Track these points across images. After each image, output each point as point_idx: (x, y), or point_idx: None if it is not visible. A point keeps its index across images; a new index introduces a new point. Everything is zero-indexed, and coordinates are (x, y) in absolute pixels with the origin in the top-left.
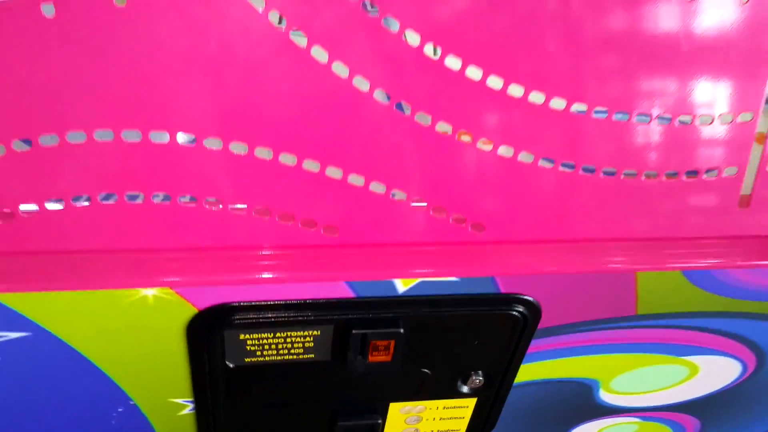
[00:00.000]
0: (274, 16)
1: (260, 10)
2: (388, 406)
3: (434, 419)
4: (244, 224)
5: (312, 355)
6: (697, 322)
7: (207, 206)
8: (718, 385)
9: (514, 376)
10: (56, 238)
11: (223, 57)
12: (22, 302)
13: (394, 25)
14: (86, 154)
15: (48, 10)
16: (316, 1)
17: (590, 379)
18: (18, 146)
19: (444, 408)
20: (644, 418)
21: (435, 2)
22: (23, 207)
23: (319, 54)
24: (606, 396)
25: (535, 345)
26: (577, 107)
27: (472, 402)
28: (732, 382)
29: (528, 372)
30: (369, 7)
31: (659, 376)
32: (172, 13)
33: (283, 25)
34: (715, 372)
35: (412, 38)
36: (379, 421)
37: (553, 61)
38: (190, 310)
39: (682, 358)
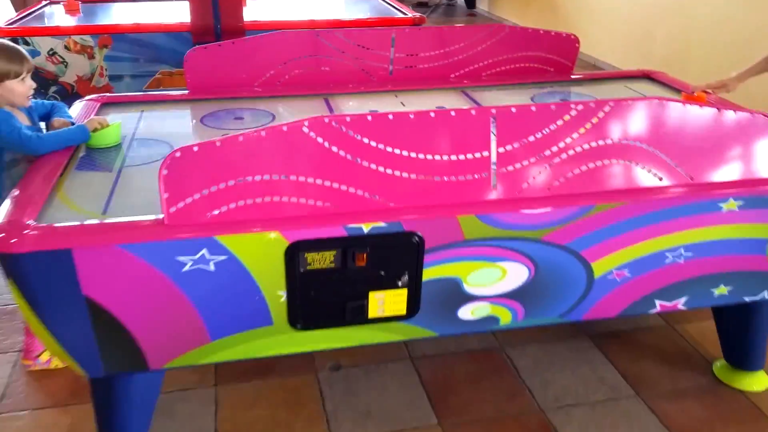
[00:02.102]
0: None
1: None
2: (368, 293)
3: (390, 302)
4: (307, 210)
5: (333, 264)
6: (495, 243)
7: (302, 202)
8: (520, 282)
9: (421, 275)
10: (242, 214)
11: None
12: (227, 241)
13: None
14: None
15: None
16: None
17: (456, 277)
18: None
19: (394, 295)
20: (492, 303)
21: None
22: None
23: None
24: (468, 288)
25: (426, 257)
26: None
27: (404, 292)
28: (526, 280)
29: (427, 273)
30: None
31: (487, 276)
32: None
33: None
34: (515, 273)
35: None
36: (365, 303)
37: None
38: (286, 243)
39: (495, 263)
